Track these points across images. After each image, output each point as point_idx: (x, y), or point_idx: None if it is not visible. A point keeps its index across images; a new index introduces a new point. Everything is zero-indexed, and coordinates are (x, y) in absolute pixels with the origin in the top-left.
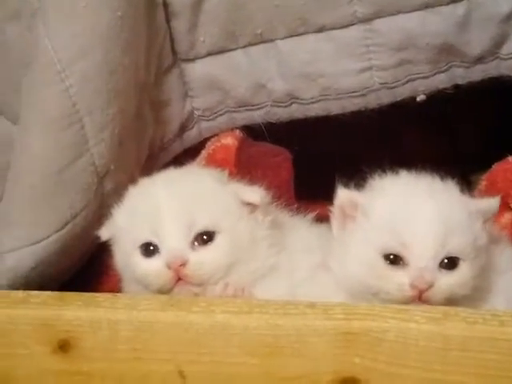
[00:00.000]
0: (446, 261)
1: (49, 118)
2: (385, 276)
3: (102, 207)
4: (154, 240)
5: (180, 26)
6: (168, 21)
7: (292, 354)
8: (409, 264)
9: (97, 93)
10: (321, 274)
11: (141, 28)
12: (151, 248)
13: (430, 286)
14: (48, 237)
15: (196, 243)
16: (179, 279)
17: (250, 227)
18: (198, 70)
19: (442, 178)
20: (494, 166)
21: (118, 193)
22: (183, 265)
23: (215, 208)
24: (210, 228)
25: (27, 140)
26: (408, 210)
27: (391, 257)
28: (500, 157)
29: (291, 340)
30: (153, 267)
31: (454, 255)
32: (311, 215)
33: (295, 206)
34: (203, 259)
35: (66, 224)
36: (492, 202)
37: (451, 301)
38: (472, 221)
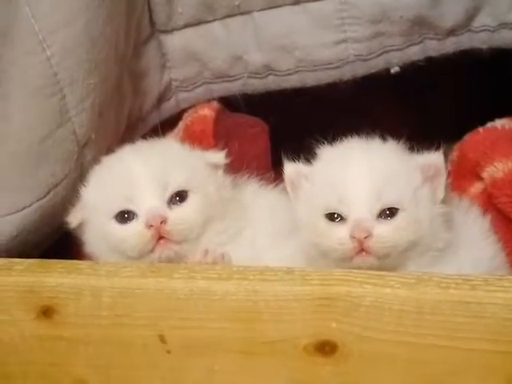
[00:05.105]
0: (387, 212)
1: (30, 87)
2: (328, 234)
3: (81, 177)
4: (130, 206)
5: None
6: None
7: (270, 319)
8: (347, 218)
9: (78, 63)
10: (284, 241)
11: None
12: (126, 216)
13: (368, 235)
14: (30, 205)
15: (171, 204)
16: (159, 239)
17: (216, 187)
18: (175, 42)
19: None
20: (465, 137)
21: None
22: (164, 222)
23: (185, 169)
24: (183, 187)
25: (8, 109)
26: (343, 170)
27: (334, 216)
28: (471, 128)
29: (269, 305)
30: (131, 230)
31: (391, 206)
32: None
33: (272, 175)
34: (181, 215)
35: (48, 192)
36: (431, 157)
37: (396, 251)
38: (411, 174)
